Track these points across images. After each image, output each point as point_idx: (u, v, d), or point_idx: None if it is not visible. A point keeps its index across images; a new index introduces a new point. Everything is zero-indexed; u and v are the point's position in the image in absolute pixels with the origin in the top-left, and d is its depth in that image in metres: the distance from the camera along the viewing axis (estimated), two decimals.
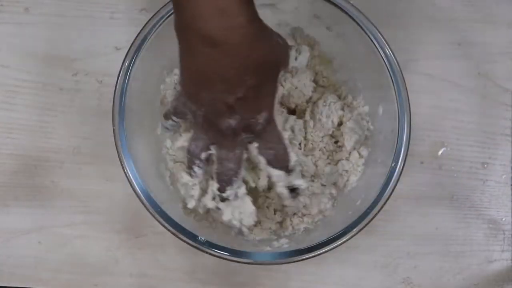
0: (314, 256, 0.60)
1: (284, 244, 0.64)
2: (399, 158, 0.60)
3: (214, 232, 0.66)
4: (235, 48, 0.52)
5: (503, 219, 0.75)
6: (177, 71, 0.68)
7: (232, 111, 0.56)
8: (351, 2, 0.63)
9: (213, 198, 0.62)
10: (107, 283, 0.73)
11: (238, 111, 0.56)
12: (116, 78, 0.63)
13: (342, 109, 0.69)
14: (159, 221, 0.60)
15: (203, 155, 0.61)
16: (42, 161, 0.74)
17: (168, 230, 0.60)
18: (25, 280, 0.73)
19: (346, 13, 0.63)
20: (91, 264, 0.73)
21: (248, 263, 0.60)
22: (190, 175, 0.62)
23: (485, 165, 0.76)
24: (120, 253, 0.73)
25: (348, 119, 0.69)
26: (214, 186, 0.61)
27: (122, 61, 0.63)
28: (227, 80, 0.54)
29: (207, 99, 0.56)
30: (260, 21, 0.53)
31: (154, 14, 0.63)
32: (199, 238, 0.60)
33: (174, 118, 0.63)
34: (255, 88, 0.55)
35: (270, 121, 0.59)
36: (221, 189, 0.61)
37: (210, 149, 0.61)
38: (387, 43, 0.62)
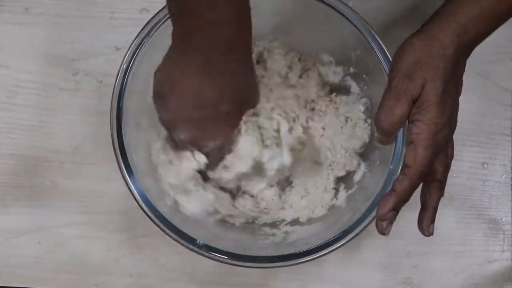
0: (313, 259, 0.60)
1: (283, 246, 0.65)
2: (398, 160, 0.60)
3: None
4: (223, 69, 0.56)
5: (503, 219, 0.75)
6: None
7: (188, 127, 0.59)
8: (350, 3, 0.63)
9: None
10: (107, 283, 0.73)
11: (193, 129, 0.59)
12: (116, 78, 0.63)
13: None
14: (157, 225, 0.60)
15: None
16: (42, 161, 0.74)
17: (166, 233, 0.60)
18: (25, 280, 0.73)
19: (343, 15, 0.63)
20: (91, 264, 0.73)
21: (247, 267, 0.60)
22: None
23: (485, 165, 0.76)
24: (120, 253, 0.73)
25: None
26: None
27: (121, 61, 0.63)
28: (199, 97, 0.57)
29: (173, 108, 0.58)
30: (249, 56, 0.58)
31: (153, 17, 0.63)
32: (198, 242, 0.60)
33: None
34: (219, 115, 0.59)
35: (223, 148, 0.62)
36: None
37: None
38: (384, 45, 0.62)
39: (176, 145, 0.63)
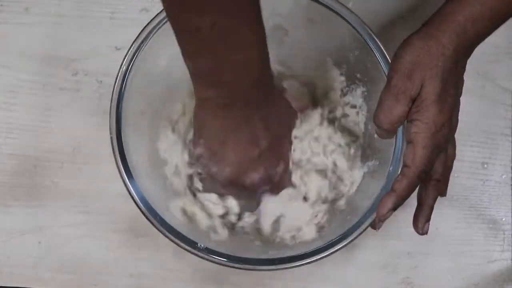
0: (314, 261, 0.60)
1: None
2: (398, 161, 0.60)
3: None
4: (263, 106, 0.58)
5: (503, 219, 0.75)
6: None
7: (256, 165, 0.60)
8: (349, 4, 0.62)
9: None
10: (107, 283, 0.73)
11: (261, 164, 0.60)
12: (115, 80, 0.63)
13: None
14: (158, 229, 0.60)
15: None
16: (42, 161, 0.74)
17: (168, 237, 0.60)
18: (25, 280, 0.73)
19: (341, 16, 0.62)
20: (91, 264, 0.73)
21: (249, 269, 0.60)
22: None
23: (485, 165, 0.76)
24: (120, 253, 0.73)
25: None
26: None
27: (121, 62, 0.63)
28: (253, 134, 0.59)
29: (232, 158, 0.60)
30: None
31: (153, 18, 0.63)
32: (199, 245, 0.60)
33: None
34: (275, 141, 0.61)
35: (287, 170, 0.65)
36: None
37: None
38: (383, 45, 0.62)
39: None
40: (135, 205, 0.61)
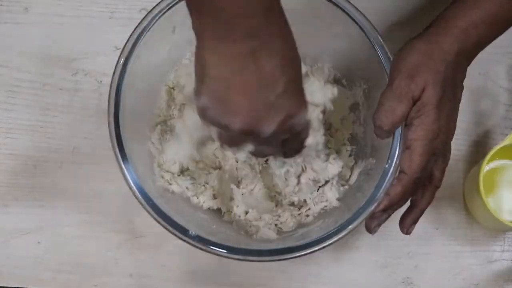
0: (309, 253, 0.59)
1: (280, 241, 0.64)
2: (393, 159, 0.60)
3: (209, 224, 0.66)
4: (272, 39, 0.47)
5: None
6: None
7: (274, 110, 0.49)
8: (352, 2, 0.62)
9: None
10: (107, 283, 0.73)
11: (280, 109, 0.49)
12: (113, 74, 0.63)
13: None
14: (150, 214, 0.58)
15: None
16: (41, 161, 0.74)
17: (159, 223, 0.59)
18: (25, 281, 0.73)
19: (346, 13, 0.62)
20: (91, 264, 0.73)
21: (240, 260, 0.59)
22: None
23: None
24: (120, 253, 0.73)
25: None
26: None
27: (118, 57, 0.63)
28: (264, 74, 0.48)
29: (242, 106, 0.48)
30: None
31: (148, 13, 0.62)
32: (190, 233, 0.59)
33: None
34: (292, 81, 0.50)
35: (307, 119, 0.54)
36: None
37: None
38: (384, 43, 0.62)
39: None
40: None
